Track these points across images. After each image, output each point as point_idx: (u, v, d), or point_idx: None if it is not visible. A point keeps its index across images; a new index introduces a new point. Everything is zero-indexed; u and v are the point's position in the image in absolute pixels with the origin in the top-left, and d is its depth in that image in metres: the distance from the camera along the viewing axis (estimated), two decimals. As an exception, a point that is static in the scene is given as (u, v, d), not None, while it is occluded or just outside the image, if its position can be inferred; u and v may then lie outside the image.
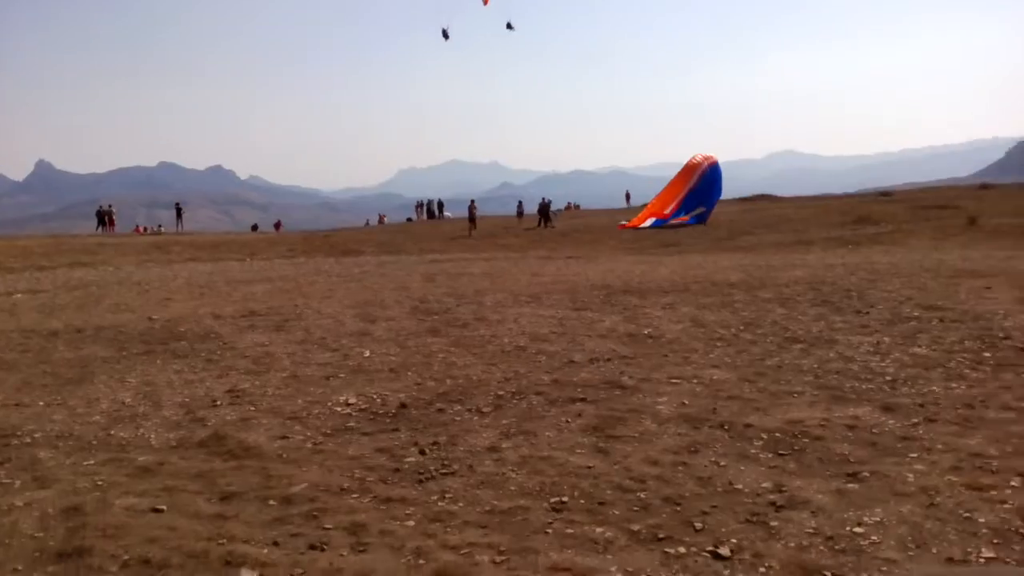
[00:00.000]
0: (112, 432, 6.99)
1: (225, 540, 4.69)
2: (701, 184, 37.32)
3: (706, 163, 37.88)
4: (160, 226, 60.00)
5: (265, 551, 4.55)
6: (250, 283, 18.00)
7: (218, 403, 7.81)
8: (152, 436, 6.86)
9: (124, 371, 9.34)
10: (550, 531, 4.72)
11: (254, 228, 58.05)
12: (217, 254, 29.64)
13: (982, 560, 4.09)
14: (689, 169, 38.31)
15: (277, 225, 59.02)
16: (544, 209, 41.50)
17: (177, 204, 54.48)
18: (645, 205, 42.06)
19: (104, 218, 47.20)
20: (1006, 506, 4.70)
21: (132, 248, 31.35)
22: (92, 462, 6.21)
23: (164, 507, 5.22)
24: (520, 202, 48.93)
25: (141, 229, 57.26)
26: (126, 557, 4.50)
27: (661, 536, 4.58)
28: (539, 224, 40.49)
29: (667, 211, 37.42)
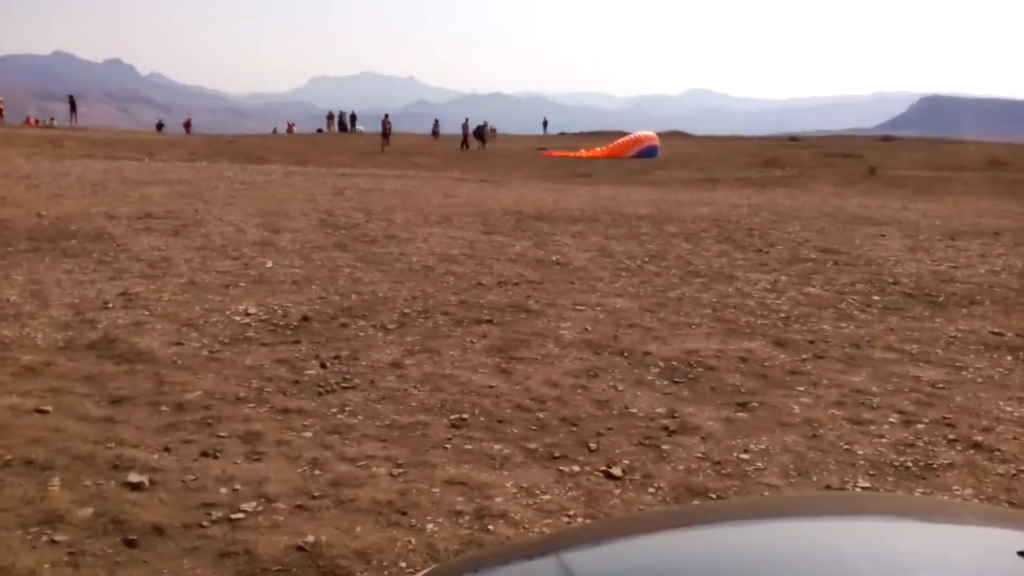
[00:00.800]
0: (-6, 330, 6.65)
1: (114, 444, 4.56)
2: (637, 156, 37.66)
3: (647, 143, 38.21)
4: (53, 119, 56.58)
5: (155, 456, 4.45)
6: (147, 184, 17.22)
7: (110, 305, 7.52)
8: (38, 336, 6.57)
9: (9, 267, 8.87)
10: (448, 447, 4.76)
11: (159, 127, 55.11)
12: (113, 152, 28.21)
13: (858, 488, 4.34)
14: (633, 141, 38.71)
15: (187, 125, 56.23)
16: (480, 131, 41.05)
17: (71, 97, 51.32)
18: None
19: (-9, 107, 44.22)
20: (883, 440, 4.98)
21: (22, 140, 29.54)
22: (-29, 359, 5.91)
23: (50, 408, 5.03)
24: (436, 120, 48.05)
25: (32, 121, 53.89)
26: (8, 457, 4.34)
27: (557, 455, 4.68)
28: (463, 145, 39.94)
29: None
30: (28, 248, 9.91)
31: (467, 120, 42.90)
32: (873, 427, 5.18)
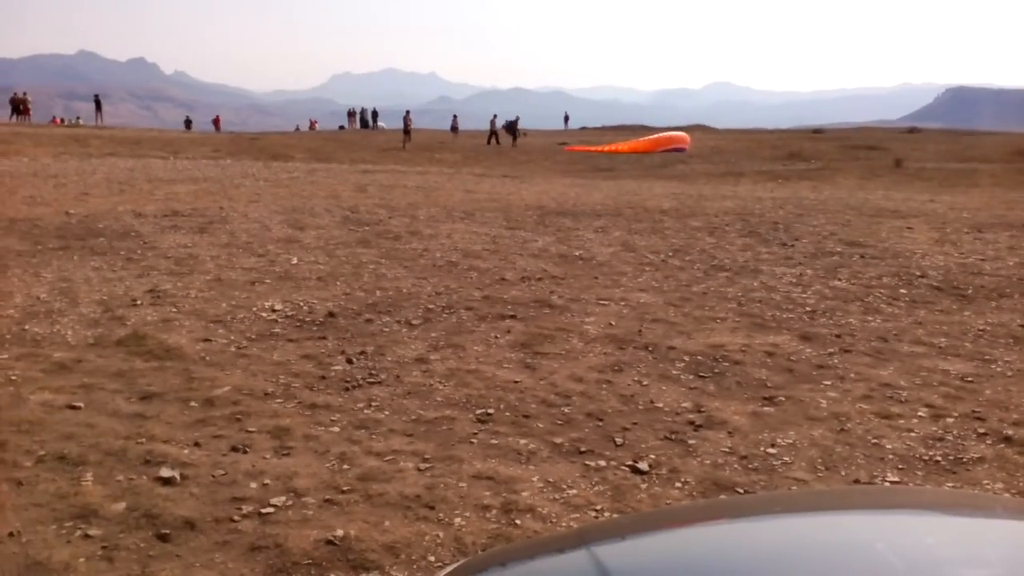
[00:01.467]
0: (26, 327, 6.75)
1: (145, 439, 4.62)
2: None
3: (677, 143, 37.38)
4: (79, 118, 57.17)
5: (186, 451, 4.50)
6: (173, 182, 17.39)
7: (138, 303, 7.61)
8: (69, 333, 6.66)
9: (39, 266, 9.00)
10: (475, 441, 4.78)
11: (187, 124, 55.26)
12: (138, 150, 28.50)
13: (887, 483, 4.31)
14: (666, 140, 37.87)
15: (216, 122, 56.38)
16: (512, 126, 40.81)
17: (96, 96, 51.87)
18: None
19: (18, 106, 44.68)
20: (912, 434, 4.94)
21: (48, 139, 29.90)
22: (5, 356, 6.01)
23: (81, 404, 5.11)
24: (455, 116, 47.89)
25: (58, 120, 54.50)
26: (42, 453, 4.41)
27: (583, 449, 4.68)
28: (489, 141, 39.61)
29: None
30: (57, 246, 10.05)
31: (495, 116, 42.64)
32: (902, 421, 5.14)
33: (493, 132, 40.89)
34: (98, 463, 4.32)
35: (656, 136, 39.25)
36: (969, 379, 5.94)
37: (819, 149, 33.59)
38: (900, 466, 4.52)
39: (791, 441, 4.83)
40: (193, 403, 5.23)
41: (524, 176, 24.36)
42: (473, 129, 49.43)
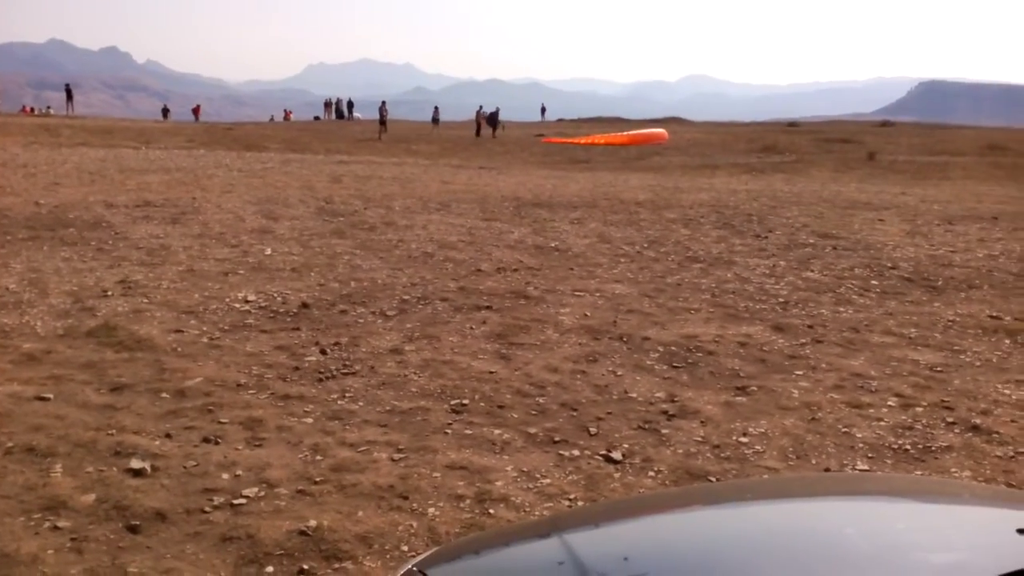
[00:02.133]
0: (-7, 318, 6.65)
1: (115, 431, 4.58)
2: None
3: (656, 140, 37.30)
4: (49, 108, 56.31)
5: (157, 443, 4.46)
6: (145, 172, 17.19)
7: (109, 293, 7.52)
8: (38, 324, 6.57)
9: (8, 256, 8.86)
10: (449, 432, 4.77)
11: (164, 113, 54.27)
12: (110, 140, 28.13)
13: (856, 471, 4.36)
14: (644, 137, 37.75)
15: (195, 111, 55.38)
16: (493, 118, 40.68)
17: (67, 85, 51.06)
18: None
19: (-14, 95, 44.00)
20: (882, 423, 5.00)
21: (18, 128, 29.43)
22: (-29, 348, 5.92)
23: (51, 396, 5.04)
24: (436, 108, 47.62)
25: (28, 110, 53.65)
26: (10, 444, 4.35)
27: (557, 439, 4.69)
28: (477, 132, 39.35)
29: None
30: (27, 237, 9.90)
31: (481, 108, 42.45)
32: (872, 410, 5.20)
33: (479, 124, 40.68)
34: (67, 455, 4.26)
35: (634, 132, 39.20)
36: (938, 369, 6.01)
37: (794, 142, 33.84)
38: (870, 455, 4.58)
39: (763, 430, 4.87)
40: (164, 394, 5.18)
41: (501, 167, 24.33)
42: (450, 120, 49.24)
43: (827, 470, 4.38)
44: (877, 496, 2.18)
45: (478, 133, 39.55)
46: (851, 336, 6.81)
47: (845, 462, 4.48)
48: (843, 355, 6.32)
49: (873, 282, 8.71)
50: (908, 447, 4.68)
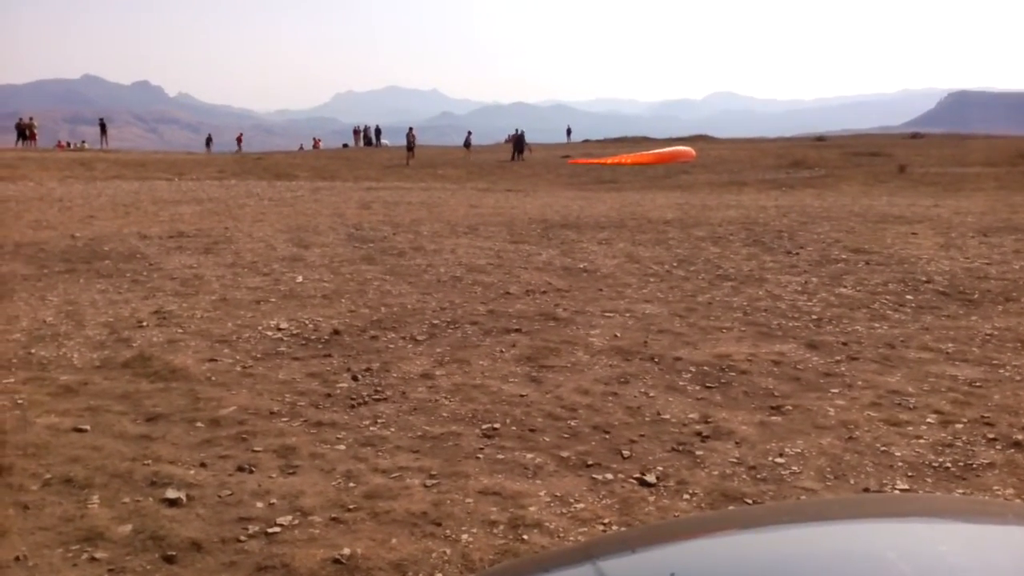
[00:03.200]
0: (33, 351, 6.76)
1: (151, 461, 4.62)
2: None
3: (684, 158, 37.18)
4: (84, 142, 57.42)
5: (192, 472, 4.49)
6: (178, 203, 17.46)
7: (144, 324, 7.62)
8: (75, 356, 6.67)
9: (45, 289, 9.02)
10: (481, 456, 4.76)
11: (208, 142, 54.57)
12: (143, 173, 28.63)
13: (896, 491, 4.28)
14: (670, 155, 37.64)
15: (239, 139, 56.07)
16: (519, 141, 40.76)
17: (101, 120, 52.13)
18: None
19: (24, 131, 44.95)
20: (921, 441, 4.90)
21: (54, 163, 30.06)
22: (12, 380, 6.01)
23: (87, 427, 5.10)
24: (469, 132, 47.69)
25: (64, 144, 54.77)
26: (48, 476, 4.40)
27: (590, 463, 4.66)
28: (512, 157, 39.44)
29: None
30: (63, 269, 10.08)
31: (517, 131, 42.44)
32: (910, 428, 5.11)
33: (516, 148, 40.55)
34: (104, 485, 4.31)
35: (660, 151, 39.04)
36: (977, 384, 5.90)
37: (822, 156, 33.59)
38: (910, 473, 4.49)
39: (799, 450, 4.80)
40: (199, 423, 5.22)
41: (527, 190, 24.40)
42: (477, 144, 49.52)
43: (866, 490, 4.30)
44: (919, 517, 2.13)
45: (513, 157, 39.47)
46: (887, 352, 6.71)
47: (884, 481, 4.40)
48: (879, 372, 6.22)
49: (908, 297, 8.59)
50: (949, 465, 4.58)
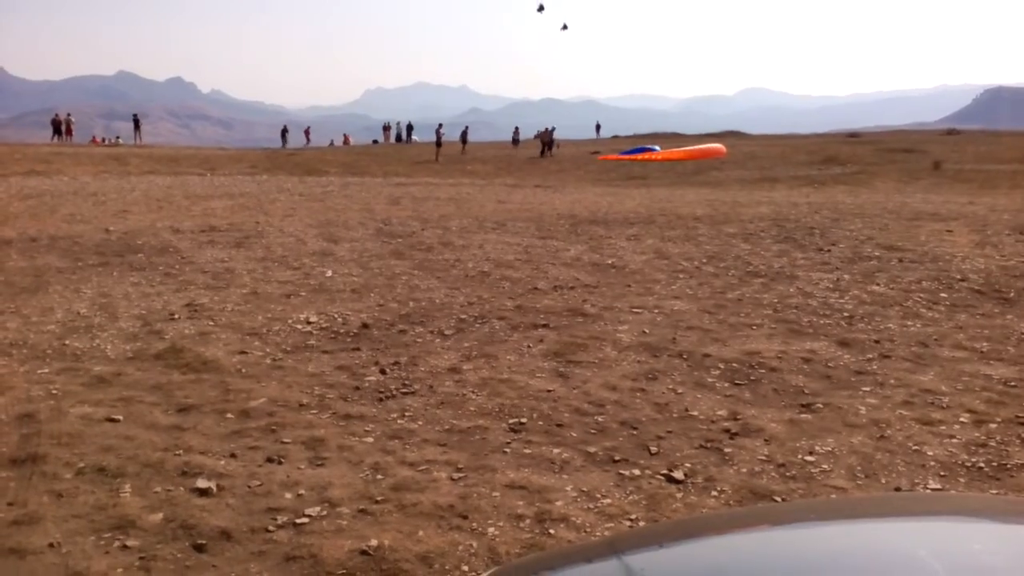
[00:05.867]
0: (67, 342, 6.87)
1: (182, 451, 4.67)
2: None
3: (714, 155, 36.81)
4: (118, 137, 58.23)
5: (222, 463, 4.54)
6: (210, 198, 17.65)
7: (176, 316, 7.71)
8: (108, 347, 6.76)
9: (79, 282, 9.16)
10: (508, 451, 4.76)
11: (284, 134, 53.44)
12: (176, 168, 28.97)
13: (928, 490, 4.22)
14: (700, 152, 37.30)
15: (307, 133, 56.42)
16: (548, 136, 40.85)
17: (135, 116, 52.70)
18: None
19: (60, 127, 45.67)
20: (954, 440, 4.83)
21: (88, 159, 30.50)
22: (46, 371, 6.12)
23: (120, 417, 5.17)
24: (516, 128, 47.55)
25: (98, 140, 55.55)
26: (81, 465, 4.47)
27: (617, 458, 4.64)
28: (541, 153, 39.50)
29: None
30: (97, 263, 10.23)
31: (548, 128, 42.49)
32: (943, 427, 5.03)
33: (545, 144, 40.59)
34: (136, 475, 4.37)
35: (691, 148, 38.70)
36: (1012, 384, 5.80)
37: (856, 153, 33.18)
38: (942, 473, 4.43)
39: (830, 448, 4.75)
40: (229, 415, 5.27)
41: (556, 186, 24.35)
42: (504, 140, 49.45)
43: (897, 489, 4.25)
44: (951, 516, 2.10)
45: (542, 153, 39.51)
46: (920, 351, 6.62)
47: (916, 481, 4.34)
48: (912, 370, 6.14)
49: (942, 295, 8.47)
50: (982, 465, 4.51)
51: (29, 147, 36.41)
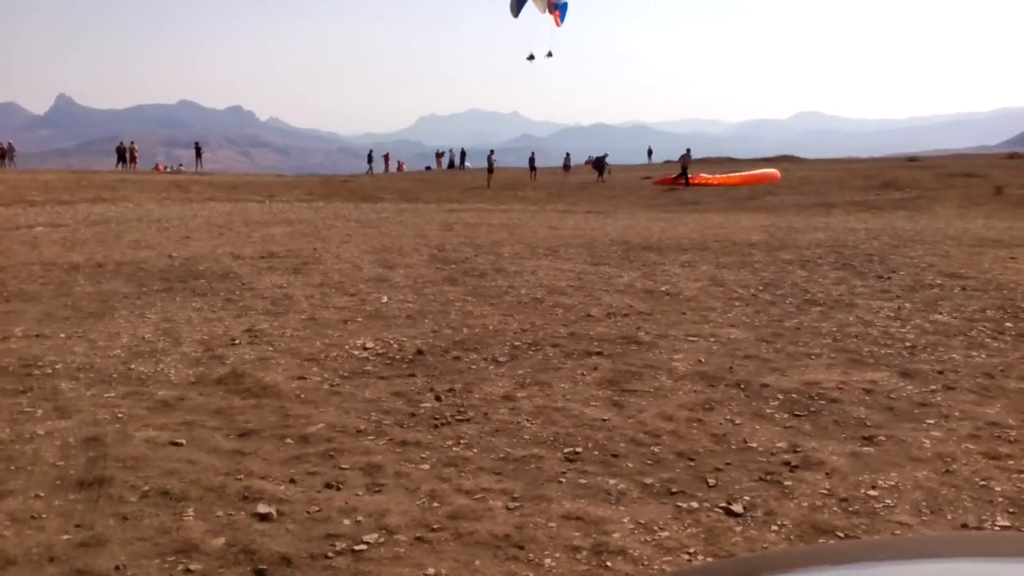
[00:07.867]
0: (132, 366, 7.06)
1: (243, 475, 4.76)
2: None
3: (768, 180, 36.38)
4: (180, 165, 59.92)
5: (282, 488, 4.61)
6: (269, 225, 18.02)
7: (237, 342, 7.87)
8: (171, 372, 6.93)
9: (144, 307, 9.41)
10: (563, 480, 4.75)
11: (369, 158, 52.89)
12: (236, 195, 29.66)
13: (996, 528, 4.09)
14: (755, 178, 36.95)
15: (400, 167, 57.56)
16: (600, 162, 41.19)
17: (196, 143, 54.26)
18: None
19: (124, 155, 47.17)
20: (1023, 476, 4.69)
21: (152, 186, 31.41)
22: (112, 394, 6.29)
23: (183, 441, 5.29)
24: (568, 154, 47.90)
25: (161, 167, 57.20)
26: (146, 488, 4.58)
27: (674, 490, 4.60)
28: (599, 179, 39.71)
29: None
30: (161, 288, 10.50)
31: (605, 155, 42.80)
32: (1011, 462, 4.88)
33: (600, 169, 40.82)
34: (199, 499, 4.46)
35: (745, 173, 38.29)
36: (1086, 418, 5.61)
37: (915, 177, 32.55)
38: (1011, 509, 4.29)
39: (893, 483, 4.64)
40: (289, 440, 5.36)
41: (608, 211, 24.34)
42: (555, 166, 49.61)
43: (964, 526, 4.13)
44: (1022, 558, 2.04)
45: (599, 178, 39.64)
46: (985, 382, 6.44)
47: (984, 517, 4.22)
48: (978, 402, 5.97)
49: (1007, 324, 8.24)
50: (1055, 503, 4.37)
51: (95, 174, 37.62)
